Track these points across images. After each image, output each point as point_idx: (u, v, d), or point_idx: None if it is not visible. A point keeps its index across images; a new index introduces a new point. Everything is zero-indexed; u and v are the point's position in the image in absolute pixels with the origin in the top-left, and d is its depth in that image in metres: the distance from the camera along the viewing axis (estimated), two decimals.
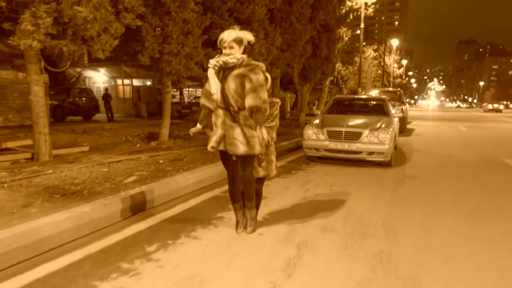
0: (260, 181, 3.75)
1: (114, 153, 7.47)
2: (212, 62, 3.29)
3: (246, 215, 3.49)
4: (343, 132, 6.82)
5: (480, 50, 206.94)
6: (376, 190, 5.19)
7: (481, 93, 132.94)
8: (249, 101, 3.19)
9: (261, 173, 3.65)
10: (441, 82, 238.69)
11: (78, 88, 20.25)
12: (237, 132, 3.30)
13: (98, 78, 25.34)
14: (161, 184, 4.48)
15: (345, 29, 20.07)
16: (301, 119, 15.95)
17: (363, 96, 10.67)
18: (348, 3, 19.16)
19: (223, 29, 10.62)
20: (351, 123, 7.14)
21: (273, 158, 3.70)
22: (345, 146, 6.72)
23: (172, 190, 4.53)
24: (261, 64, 3.33)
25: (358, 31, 23.25)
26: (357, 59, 29.30)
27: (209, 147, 3.39)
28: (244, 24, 10.78)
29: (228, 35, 3.25)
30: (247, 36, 3.32)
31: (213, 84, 3.27)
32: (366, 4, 20.49)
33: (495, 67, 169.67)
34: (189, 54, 8.51)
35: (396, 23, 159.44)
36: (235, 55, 3.26)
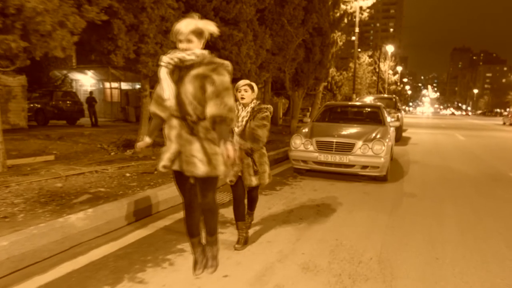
0: (254, 189, 3.54)
1: (81, 163, 6.73)
2: (165, 59, 2.59)
3: (206, 253, 2.77)
4: (334, 143, 6.13)
5: (474, 58, 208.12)
6: (370, 213, 4.50)
7: (475, 100, 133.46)
8: (211, 109, 2.51)
9: (254, 182, 3.39)
10: (435, 89, 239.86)
11: (62, 91, 19.43)
12: (196, 148, 2.60)
13: (85, 81, 24.55)
14: (115, 206, 3.75)
15: (339, 33, 19.53)
16: (293, 126, 15.29)
17: (357, 103, 10.03)
18: (343, 7, 18.64)
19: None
20: (343, 133, 6.46)
21: (267, 168, 3.49)
22: (336, 158, 6.03)
23: (129, 213, 3.80)
24: (226, 62, 2.63)
25: (353, 38, 22.70)
26: (352, 64, 28.78)
27: (160, 167, 2.68)
28: (231, 25, 10.13)
29: (186, 26, 2.56)
30: (209, 27, 2.62)
31: (166, 87, 2.58)
32: (361, 8, 19.96)
33: (488, 75, 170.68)
34: None
35: (391, 30, 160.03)
36: (193, 50, 2.57)
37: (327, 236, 3.65)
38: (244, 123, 3.47)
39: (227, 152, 2.47)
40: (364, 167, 5.99)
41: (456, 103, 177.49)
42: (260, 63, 11.96)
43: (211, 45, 9.75)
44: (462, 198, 5.35)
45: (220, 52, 9.90)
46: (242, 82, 3.52)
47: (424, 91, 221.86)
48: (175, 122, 2.63)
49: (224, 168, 2.65)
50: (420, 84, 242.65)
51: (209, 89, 2.53)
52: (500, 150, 11.79)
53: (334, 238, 3.60)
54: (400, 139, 13.57)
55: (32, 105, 17.37)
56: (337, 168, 6.13)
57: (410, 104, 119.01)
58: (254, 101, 3.53)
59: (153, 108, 2.73)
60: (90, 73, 23.94)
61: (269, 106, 3.59)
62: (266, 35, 11.48)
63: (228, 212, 4.31)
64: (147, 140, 2.77)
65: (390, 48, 46.33)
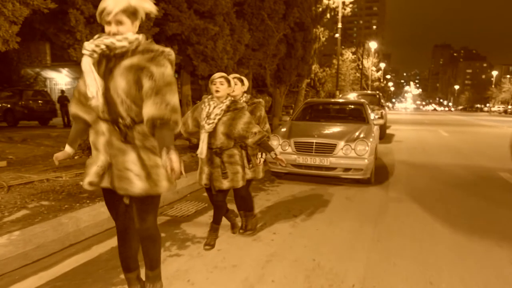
0: (219, 194, 3.26)
1: (35, 169, 6.05)
2: (89, 46, 2.02)
3: None
4: (314, 144, 5.62)
5: (455, 54, 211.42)
6: (353, 224, 4.00)
7: (456, 96, 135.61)
8: (149, 110, 1.96)
9: (225, 184, 3.18)
10: (418, 85, 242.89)
11: (32, 90, 18.46)
12: (131, 160, 2.04)
13: (60, 79, 23.60)
14: (50, 226, 3.15)
15: (322, 29, 19.11)
16: (274, 125, 14.76)
17: (339, 100, 9.55)
18: (325, 2, 18.19)
19: (180, 22, 9.18)
20: (323, 133, 5.96)
21: (239, 168, 3.25)
22: (316, 161, 5.52)
23: (67, 234, 3.20)
24: (167, 50, 2.07)
25: (337, 35, 22.27)
26: (335, 61, 28.42)
27: (85, 184, 2.11)
28: (207, 18, 9.53)
29: (114, 3, 2.00)
30: (145, 4, 2.06)
31: (91, 82, 2.01)
32: (343, 3, 19.55)
33: (469, 71, 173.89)
34: None
35: (374, 27, 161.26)
36: (125, 35, 2.01)
37: (303, 256, 3.12)
38: (216, 121, 3.12)
39: (171, 164, 1.92)
40: (347, 169, 5.50)
41: (437, 99, 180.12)
42: (239, 58, 11.40)
43: (184, 39, 9.16)
44: (453, 203, 4.90)
45: (194, 47, 9.31)
46: (217, 74, 3.24)
47: (407, 88, 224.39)
48: (103, 126, 2.07)
49: (167, 184, 2.10)
50: (402, 81, 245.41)
51: (146, 84, 1.98)
52: (485, 147, 11.50)
53: (311, 258, 3.07)
54: (384, 136, 13.20)
55: (0, 105, 16.51)
56: (317, 171, 5.62)
57: (393, 100, 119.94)
58: (229, 98, 3.23)
59: (74, 109, 2.15)
60: (64, 71, 23.03)
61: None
62: (244, 29, 10.92)
63: (190, 227, 3.76)
64: (68, 150, 2.20)
65: (373, 45, 46.34)
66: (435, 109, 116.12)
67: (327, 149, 5.55)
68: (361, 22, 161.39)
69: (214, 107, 3.18)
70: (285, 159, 5.63)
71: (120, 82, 1.99)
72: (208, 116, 3.17)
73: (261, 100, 3.75)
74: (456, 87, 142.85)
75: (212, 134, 3.17)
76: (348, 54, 37.60)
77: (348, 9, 20.41)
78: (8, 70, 20.90)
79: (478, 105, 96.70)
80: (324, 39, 19.61)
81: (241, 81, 3.56)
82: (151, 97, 1.98)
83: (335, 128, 6.22)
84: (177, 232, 3.61)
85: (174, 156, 1.93)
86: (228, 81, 3.23)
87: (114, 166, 2.06)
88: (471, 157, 9.10)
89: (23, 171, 5.82)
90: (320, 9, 17.30)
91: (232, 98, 3.28)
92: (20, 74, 22.07)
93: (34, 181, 5.05)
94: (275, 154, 3.42)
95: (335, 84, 24.24)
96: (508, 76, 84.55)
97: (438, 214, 4.40)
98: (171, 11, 8.37)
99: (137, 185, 2.03)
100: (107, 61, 2.03)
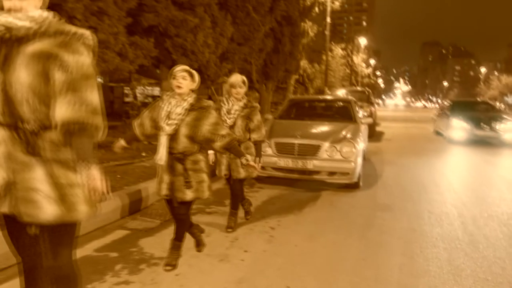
0: (182, 206, 2.81)
1: None
2: None
3: None
4: (296, 145, 5.15)
5: (443, 51, 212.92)
6: (337, 237, 3.54)
7: (445, 93, 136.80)
8: (63, 111, 1.50)
9: (189, 195, 2.76)
10: (407, 82, 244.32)
11: None
12: (39, 177, 1.56)
13: None
14: None
15: (311, 23, 18.67)
16: None
17: (326, 97, 9.11)
18: None
19: (157, 13, 8.56)
20: (307, 133, 5.49)
21: (205, 176, 2.83)
22: (299, 164, 5.06)
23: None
24: (85, 32, 1.58)
25: (326, 31, 21.79)
26: (324, 57, 28.01)
27: None
28: (186, 9, 8.99)
29: None
30: None
31: None
32: None
33: (457, 68, 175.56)
34: (105, 41, 6.63)
35: (364, 23, 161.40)
36: (28, 12, 1.52)
37: (276, 281, 2.65)
38: (177, 122, 2.67)
39: (92, 182, 1.46)
40: (332, 173, 5.05)
41: (426, 95, 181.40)
42: (222, 53, 10.86)
43: (162, 31, 8.61)
44: (447, 212, 4.48)
45: (173, 40, 8.77)
46: (179, 66, 2.76)
47: (397, 84, 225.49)
48: (1, 133, 1.57)
49: (86, 208, 1.62)
50: (392, 77, 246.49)
51: (58, 77, 1.51)
52: (478, 146, 11.19)
53: (285, 285, 2.61)
54: (373, 134, 12.81)
55: None
56: (300, 175, 5.16)
57: (384, 97, 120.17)
58: (193, 95, 2.79)
59: None
60: None
61: (211, 103, 3.00)
62: (227, 21, 10.38)
63: (149, 244, 3.27)
64: None
65: (362, 41, 46.11)
66: (425, 106, 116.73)
67: (311, 150, 5.09)
68: (351, 18, 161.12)
69: (176, 106, 2.70)
70: (265, 162, 5.19)
71: (22, 75, 1.50)
72: (168, 116, 2.69)
73: (257, 105, 3.75)
74: (445, 83, 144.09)
75: (173, 137, 2.69)
76: (338, 50, 37.24)
77: (337, 3, 19.98)
78: None
79: None
80: (313, 34, 19.18)
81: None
82: (64, 95, 1.51)
83: (320, 128, 5.77)
84: (132, 251, 3.11)
85: (95, 171, 1.48)
86: (191, 75, 2.76)
87: (17, 185, 1.56)
88: (463, 157, 8.74)
89: None
90: (308, 2, 16.83)
91: (195, 95, 2.80)
92: None
93: None
94: (247, 160, 2.93)
95: (324, 80, 23.84)
96: (496, 73, 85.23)
97: (430, 225, 3.98)
98: (146, 0, 7.81)
99: (47, 210, 1.55)
100: (5, 47, 1.53)
